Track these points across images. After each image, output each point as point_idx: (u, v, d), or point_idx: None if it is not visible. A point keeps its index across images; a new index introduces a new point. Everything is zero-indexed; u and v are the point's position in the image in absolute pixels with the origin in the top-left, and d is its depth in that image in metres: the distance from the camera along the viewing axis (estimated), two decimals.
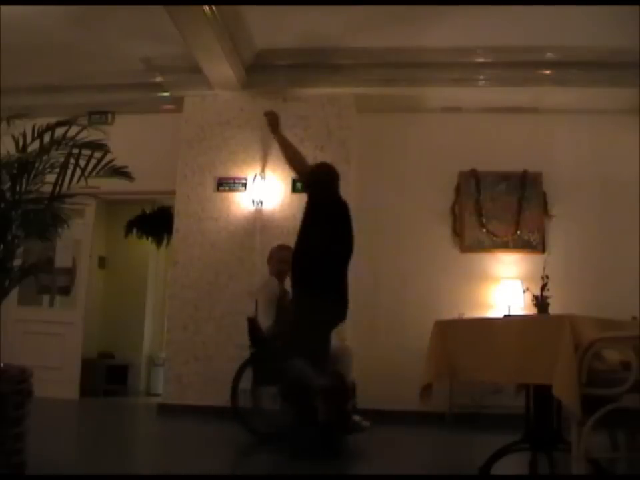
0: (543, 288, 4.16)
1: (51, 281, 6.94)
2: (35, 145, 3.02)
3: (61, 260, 6.86)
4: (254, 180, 5.94)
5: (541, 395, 2.93)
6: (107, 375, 7.25)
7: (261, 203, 5.93)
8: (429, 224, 6.14)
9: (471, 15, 5.13)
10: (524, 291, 5.35)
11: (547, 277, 4.22)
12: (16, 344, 5.92)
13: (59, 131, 3.06)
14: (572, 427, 2.50)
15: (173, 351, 5.85)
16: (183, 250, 6.00)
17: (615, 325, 2.90)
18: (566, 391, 2.46)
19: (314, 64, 5.96)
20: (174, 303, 5.95)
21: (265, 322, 4.43)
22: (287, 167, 5.92)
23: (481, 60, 5.87)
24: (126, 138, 5.80)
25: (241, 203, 6.00)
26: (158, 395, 6.88)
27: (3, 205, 2.94)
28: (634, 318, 4.44)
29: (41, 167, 2.98)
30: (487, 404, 5.39)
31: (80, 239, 6.81)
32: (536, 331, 2.77)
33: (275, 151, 6.01)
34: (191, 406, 5.58)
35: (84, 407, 6.27)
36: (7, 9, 4.98)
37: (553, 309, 4.23)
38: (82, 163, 3.06)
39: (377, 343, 5.79)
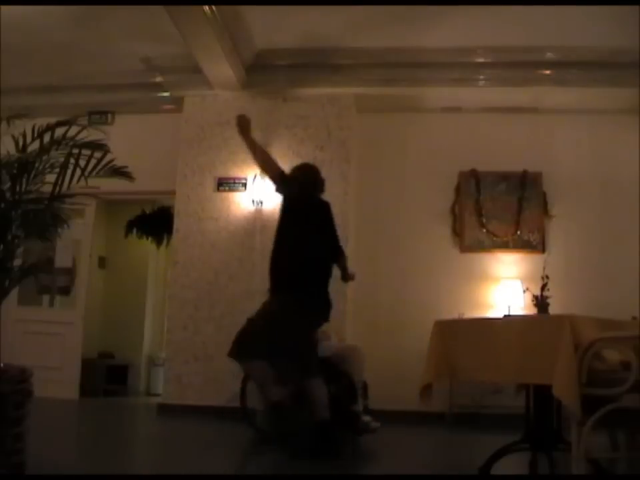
0: (543, 288, 4.15)
1: (51, 281, 6.94)
2: (35, 145, 3.02)
3: (61, 260, 6.85)
4: (254, 180, 5.94)
5: (541, 395, 2.93)
6: (106, 375, 7.25)
7: (261, 202, 5.93)
8: (429, 224, 6.14)
9: (470, 15, 5.13)
10: (524, 291, 5.34)
11: (547, 276, 4.21)
12: (16, 344, 5.92)
13: (59, 131, 3.05)
14: (572, 427, 2.50)
15: (173, 351, 5.85)
16: (183, 250, 6.00)
17: (615, 324, 2.90)
18: (566, 391, 2.46)
19: (314, 64, 5.96)
20: (174, 303, 5.95)
21: None
22: (287, 167, 5.99)
23: (480, 60, 5.87)
24: (126, 138, 5.80)
25: (241, 203, 6.00)
26: (158, 395, 6.88)
27: (3, 205, 2.94)
28: (634, 318, 4.44)
29: (40, 167, 2.98)
30: (487, 404, 5.39)
31: (80, 239, 6.81)
32: (536, 331, 2.77)
33: (275, 150, 6.01)
34: (190, 406, 5.58)
35: (84, 407, 6.27)
36: (6, 9, 4.98)
37: (553, 309, 4.22)
38: (82, 163, 3.06)
39: (377, 343, 5.78)
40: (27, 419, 2.69)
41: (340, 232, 5.67)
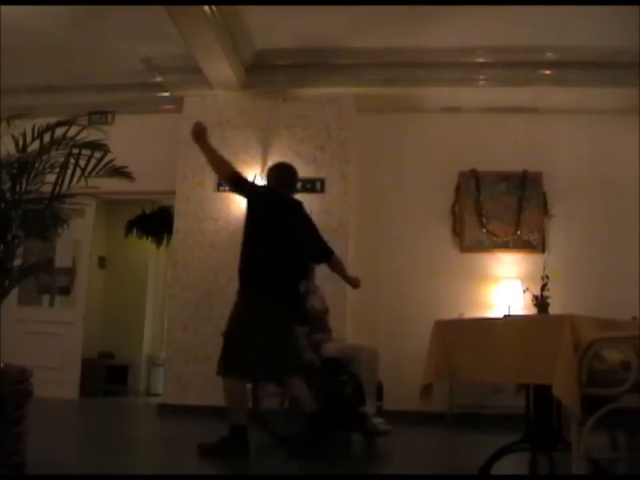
0: (543, 288, 4.16)
1: (51, 281, 6.94)
2: (35, 145, 3.02)
3: (61, 260, 6.85)
4: (254, 180, 5.94)
5: (541, 395, 2.93)
6: (106, 375, 7.25)
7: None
8: (429, 224, 6.14)
9: (471, 15, 5.13)
10: (524, 291, 5.34)
11: (547, 276, 4.21)
12: (16, 344, 5.92)
13: (59, 131, 3.05)
14: (572, 427, 2.50)
15: (173, 351, 5.85)
16: (183, 250, 6.00)
17: (615, 324, 2.90)
18: (566, 391, 2.47)
19: (314, 64, 5.96)
20: (174, 303, 5.95)
21: None
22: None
23: (481, 60, 5.87)
24: (126, 138, 5.79)
25: (241, 203, 5.98)
26: (158, 395, 6.88)
27: (3, 205, 2.94)
28: (634, 318, 4.44)
29: (40, 167, 2.98)
30: (487, 404, 5.39)
31: (80, 239, 6.81)
32: (536, 331, 2.77)
33: (275, 150, 6.05)
34: (190, 406, 5.58)
35: (84, 407, 6.27)
36: (6, 9, 4.98)
37: (553, 309, 4.23)
38: (82, 163, 3.06)
39: (377, 343, 5.72)
40: (27, 419, 2.69)
41: (340, 232, 5.76)
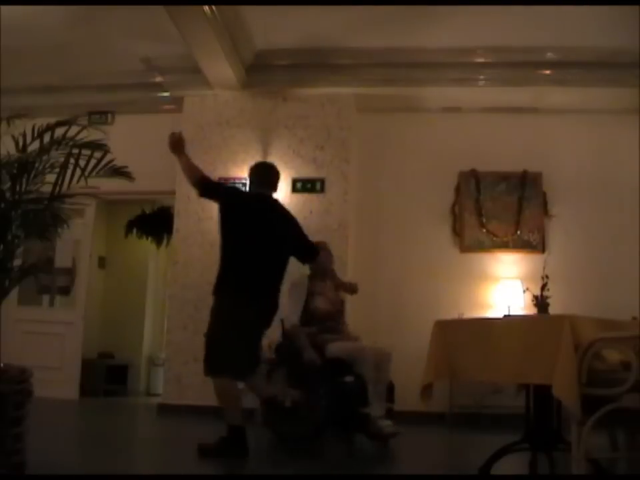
0: (543, 288, 4.15)
1: (50, 281, 6.94)
2: (35, 145, 3.02)
3: (61, 260, 6.85)
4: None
5: (541, 395, 2.93)
6: (106, 375, 7.25)
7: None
8: (429, 224, 6.14)
9: (470, 15, 5.13)
10: (524, 291, 5.34)
11: (547, 276, 4.21)
12: (16, 344, 5.92)
13: (59, 131, 3.05)
14: (572, 427, 2.50)
15: (173, 351, 5.85)
16: (183, 250, 6.00)
17: (615, 325, 2.90)
18: (566, 391, 2.47)
19: (314, 64, 5.96)
20: (174, 303, 5.95)
21: (289, 320, 4.32)
22: (287, 166, 6.00)
23: (481, 60, 5.87)
24: (126, 138, 5.80)
25: None
26: (158, 395, 6.88)
27: (3, 205, 2.94)
28: (634, 318, 4.44)
29: (40, 167, 2.98)
30: (487, 404, 5.39)
31: (80, 239, 6.81)
32: (536, 331, 2.77)
33: (275, 150, 6.05)
34: (190, 406, 5.58)
35: (84, 407, 6.27)
36: (7, 9, 4.98)
37: (553, 309, 4.22)
38: (82, 163, 3.06)
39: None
40: (27, 418, 2.69)
41: (340, 232, 5.76)
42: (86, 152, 3.07)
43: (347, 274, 5.30)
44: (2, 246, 2.87)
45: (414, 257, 6.04)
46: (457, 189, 6.17)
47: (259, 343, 3.84)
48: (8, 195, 2.93)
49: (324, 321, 4.34)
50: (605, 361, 2.62)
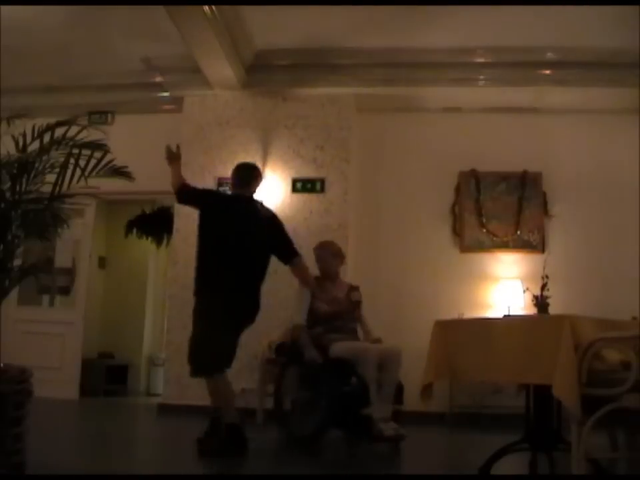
0: (543, 288, 4.15)
1: (51, 281, 6.94)
2: (35, 145, 3.02)
3: (61, 260, 6.86)
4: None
5: (541, 395, 2.93)
6: (106, 375, 7.25)
7: (261, 203, 5.91)
8: (429, 224, 6.14)
9: (471, 15, 5.13)
10: (524, 291, 5.34)
11: (547, 276, 4.21)
12: (16, 344, 5.91)
13: (59, 131, 3.05)
14: (572, 427, 2.50)
15: (173, 351, 5.84)
16: (182, 250, 5.99)
17: (615, 325, 2.90)
18: (566, 391, 2.47)
19: (314, 64, 5.96)
20: (174, 303, 5.94)
21: (297, 319, 4.28)
22: (287, 166, 6.00)
23: (481, 60, 5.87)
24: (126, 138, 5.80)
25: None
26: (158, 395, 6.88)
27: (3, 205, 2.94)
28: (634, 318, 4.44)
29: (40, 167, 2.98)
30: (487, 404, 5.39)
31: (80, 239, 6.82)
32: (536, 331, 2.77)
33: (275, 150, 6.05)
34: (191, 406, 5.57)
35: (84, 407, 6.27)
36: (6, 9, 4.98)
37: (553, 309, 4.22)
38: (82, 163, 3.06)
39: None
40: (27, 418, 2.69)
41: (340, 232, 5.76)
42: (86, 152, 3.07)
43: (347, 274, 5.30)
44: (2, 246, 2.87)
45: (414, 257, 6.04)
46: (457, 189, 6.17)
47: (236, 340, 3.84)
48: (8, 194, 2.93)
49: (330, 320, 4.29)
50: (604, 361, 2.62)
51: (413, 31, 5.48)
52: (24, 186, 2.94)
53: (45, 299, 7.11)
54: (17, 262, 3.04)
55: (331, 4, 4.96)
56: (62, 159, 3.00)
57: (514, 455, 3.04)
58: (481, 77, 5.94)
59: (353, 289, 4.58)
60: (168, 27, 4.95)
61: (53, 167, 3.01)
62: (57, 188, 2.98)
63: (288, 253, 4.03)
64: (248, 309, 3.85)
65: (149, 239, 7.89)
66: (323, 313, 4.31)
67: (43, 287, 6.95)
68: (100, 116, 6.49)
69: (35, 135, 3.03)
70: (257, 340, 5.32)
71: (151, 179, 5.55)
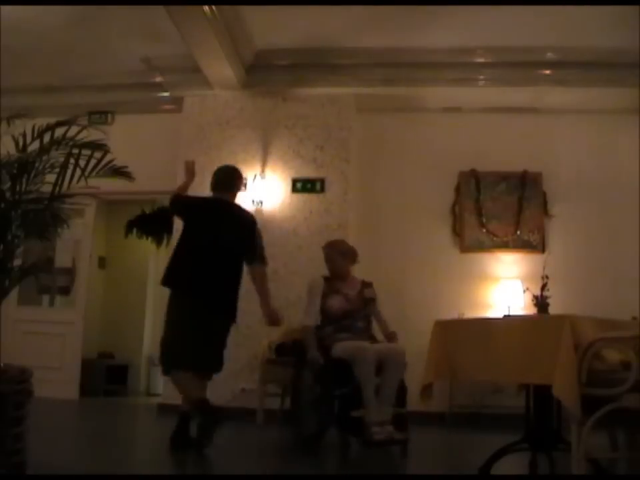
0: (543, 288, 4.15)
1: (51, 281, 6.94)
2: (35, 145, 3.02)
3: (61, 260, 6.86)
4: (254, 180, 5.94)
5: (541, 395, 2.93)
6: (106, 375, 7.25)
7: (261, 203, 5.93)
8: (429, 224, 6.14)
9: (471, 15, 5.13)
10: (524, 291, 5.34)
11: (547, 276, 4.21)
12: (16, 344, 5.92)
13: (59, 131, 3.05)
14: (572, 427, 2.50)
15: None
16: None
17: (615, 325, 2.90)
18: (566, 391, 2.47)
19: (314, 64, 5.97)
20: None
21: (305, 320, 4.25)
22: (287, 166, 6.00)
23: (481, 60, 5.88)
24: (126, 138, 5.80)
25: (241, 203, 5.98)
26: (158, 395, 6.87)
27: (3, 205, 2.93)
28: (634, 318, 4.44)
29: (40, 167, 2.98)
30: (487, 404, 5.39)
31: (80, 239, 6.82)
32: (536, 331, 2.77)
33: (275, 150, 6.05)
34: None
35: (84, 407, 6.27)
36: (6, 10, 4.98)
37: (553, 309, 4.22)
38: (82, 163, 3.05)
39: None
40: (27, 418, 2.69)
41: (340, 232, 5.75)
42: (86, 152, 3.06)
43: None
44: (2, 246, 2.86)
45: (414, 256, 6.04)
46: (457, 189, 6.17)
47: (206, 340, 3.89)
48: (8, 194, 2.92)
49: (339, 320, 4.27)
50: (604, 361, 2.62)
51: (413, 31, 5.48)
52: (24, 186, 2.94)
53: (45, 298, 7.11)
54: (17, 262, 3.03)
55: (331, 4, 4.97)
56: (62, 159, 3.00)
57: (514, 455, 3.04)
58: (481, 77, 5.95)
59: (366, 285, 4.52)
60: (168, 26, 4.95)
61: (53, 167, 3.00)
62: (57, 188, 2.98)
63: (253, 256, 4.10)
64: (215, 310, 3.91)
65: (149, 239, 7.87)
66: (334, 313, 4.28)
67: (43, 287, 6.95)
68: (100, 116, 6.49)
69: (35, 135, 3.02)
70: (257, 340, 5.33)
71: (151, 179, 5.57)
